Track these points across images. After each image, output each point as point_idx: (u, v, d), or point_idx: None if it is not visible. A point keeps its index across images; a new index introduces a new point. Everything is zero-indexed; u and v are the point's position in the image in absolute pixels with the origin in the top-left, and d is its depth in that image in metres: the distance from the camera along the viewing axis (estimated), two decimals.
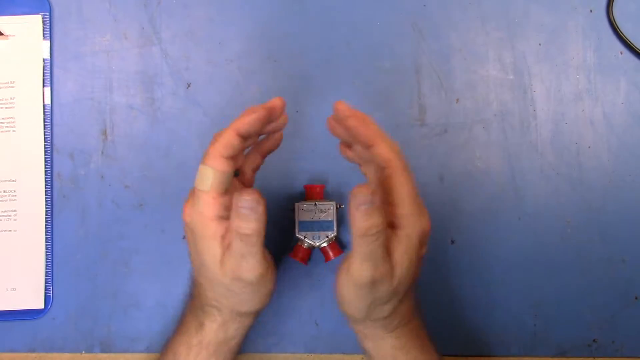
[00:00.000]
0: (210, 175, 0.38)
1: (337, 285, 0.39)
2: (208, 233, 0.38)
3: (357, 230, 0.35)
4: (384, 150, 0.38)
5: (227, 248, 0.38)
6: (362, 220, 0.35)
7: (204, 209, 0.38)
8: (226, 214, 0.38)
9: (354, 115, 0.39)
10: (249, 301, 0.40)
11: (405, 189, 0.37)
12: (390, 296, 0.38)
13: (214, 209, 0.38)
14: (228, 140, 0.38)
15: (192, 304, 0.43)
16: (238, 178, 0.44)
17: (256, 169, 0.45)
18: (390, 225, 0.38)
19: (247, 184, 0.44)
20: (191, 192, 0.40)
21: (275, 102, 0.39)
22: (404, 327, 0.42)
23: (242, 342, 0.44)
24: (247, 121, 0.38)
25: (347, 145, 0.44)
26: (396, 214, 0.38)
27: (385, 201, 0.38)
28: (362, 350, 0.44)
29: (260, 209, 0.36)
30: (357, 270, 0.37)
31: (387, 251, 0.37)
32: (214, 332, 0.42)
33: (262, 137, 0.44)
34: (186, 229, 0.40)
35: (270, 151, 0.44)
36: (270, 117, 0.40)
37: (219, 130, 0.39)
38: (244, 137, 0.39)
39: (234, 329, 0.42)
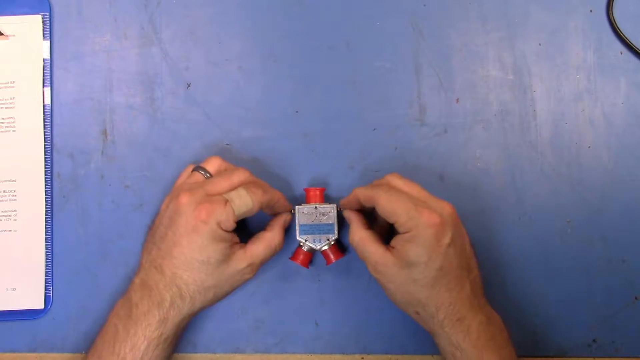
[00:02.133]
0: (248, 207, 0.45)
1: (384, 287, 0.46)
2: (222, 239, 0.44)
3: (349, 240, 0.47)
4: (363, 193, 0.46)
5: (235, 248, 0.46)
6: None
7: (225, 222, 0.44)
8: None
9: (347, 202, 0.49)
10: (218, 298, 0.46)
11: (392, 207, 0.43)
12: (412, 288, 0.44)
13: (231, 226, 0.44)
14: (273, 200, 0.47)
15: (155, 296, 0.44)
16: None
17: None
18: (404, 233, 0.44)
19: None
20: (214, 197, 0.44)
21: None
22: (456, 324, 0.43)
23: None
24: (284, 206, 0.49)
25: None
26: (399, 226, 0.43)
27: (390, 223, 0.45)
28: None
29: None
30: (371, 267, 0.46)
31: (385, 248, 0.45)
32: (175, 325, 0.45)
33: None
34: (191, 224, 0.43)
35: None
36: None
37: (266, 187, 0.48)
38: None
39: (186, 323, 0.47)
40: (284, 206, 0.49)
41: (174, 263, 0.44)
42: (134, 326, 0.43)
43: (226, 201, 0.44)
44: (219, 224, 0.43)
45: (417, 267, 0.43)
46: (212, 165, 0.48)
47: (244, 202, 0.45)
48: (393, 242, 0.44)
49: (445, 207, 0.44)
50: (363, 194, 0.46)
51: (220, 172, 0.48)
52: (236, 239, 0.46)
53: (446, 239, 0.43)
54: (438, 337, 0.45)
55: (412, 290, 0.43)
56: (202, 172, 0.47)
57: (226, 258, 0.45)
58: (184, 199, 0.44)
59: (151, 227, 0.48)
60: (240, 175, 0.46)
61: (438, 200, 0.45)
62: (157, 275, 0.44)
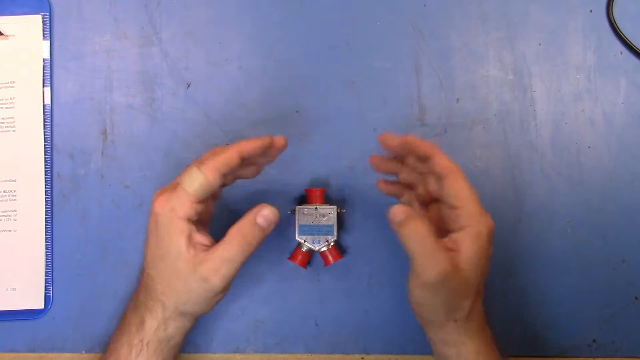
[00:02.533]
0: (200, 181, 0.40)
1: (412, 294, 0.41)
2: (176, 230, 0.40)
3: (404, 237, 0.39)
4: (443, 159, 0.41)
5: (195, 247, 0.41)
6: (405, 225, 0.39)
7: (179, 207, 0.40)
8: (195, 218, 0.41)
9: (408, 136, 0.43)
10: (198, 303, 0.42)
11: (467, 192, 0.41)
12: (463, 291, 0.40)
13: (188, 211, 0.40)
14: (230, 158, 0.40)
15: (135, 301, 0.44)
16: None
17: (224, 186, 0.46)
18: (458, 227, 0.41)
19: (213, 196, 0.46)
20: (170, 186, 0.42)
21: (280, 140, 0.43)
22: (481, 332, 0.43)
23: (182, 343, 0.45)
24: (251, 145, 0.41)
25: (386, 181, 0.48)
26: (462, 215, 0.40)
27: (449, 206, 0.41)
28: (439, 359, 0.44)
29: (271, 227, 0.41)
30: (424, 271, 0.39)
31: (446, 247, 0.40)
32: (154, 329, 0.42)
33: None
34: (152, 219, 0.42)
35: (245, 178, 0.46)
36: (271, 149, 0.43)
37: (220, 145, 0.43)
38: (243, 160, 0.41)
39: (174, 328, 0.43)
40: (262, 152, 0.42)
41: (146, 263, 0.43)
42: (120, 335, 0.43)
43: (176, 185, 0.41)
44: (173, 211, 0.40)
45: (472, 268, 0.40)
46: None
47: (194, 177, 0.40)
48: (448, 240, 0.41)
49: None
50: (425, 148, 0.41)
51: None
52: (205, 240, 0.42)
53: (491, 248, 0.42)
54: (464, 346, 0.42)
55: (462, 291, 0.40)
56: None
57: (184, 255, 0.40)
58: (153, 197, 0.41)
59: None
60: (208, 155, 0.42)
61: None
62: (141, 279, 0.44)
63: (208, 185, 0.40)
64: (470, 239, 0.40)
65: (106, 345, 0.46)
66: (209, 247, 0.41)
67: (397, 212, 0.39)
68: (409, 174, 0.46)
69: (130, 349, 0.42)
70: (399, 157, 0.46)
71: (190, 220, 0.41)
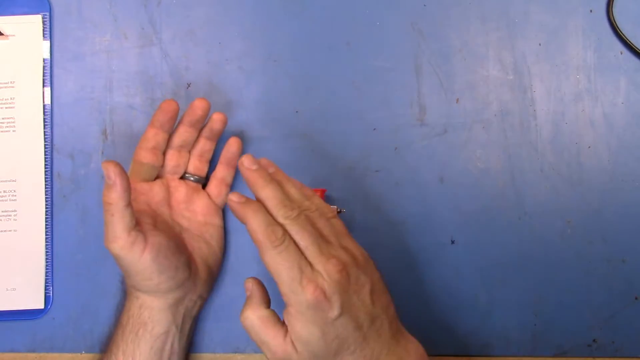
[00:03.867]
0: (132, 168, 0.46)
1: None
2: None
3: (243, 325, 0.41)
4: (254, 227, 0.38)
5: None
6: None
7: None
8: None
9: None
10: (131, 276, 0.43)
11: (274, 270, 0.37)
12: (320, 352, 0.38)
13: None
14: (145, 136, 0.46)
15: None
16: (205, 188, 0.50)
17: (208, 156, 0.50)
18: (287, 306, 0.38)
19: (199, 171, 0.50)
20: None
21: (196, 103, 0.47)
22: None
23: (172, 340, 0.45)
24: (156, 115, 0.46)
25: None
26: (281, 293, 0.38)
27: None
28: None
29: (119, 180, 0.40)
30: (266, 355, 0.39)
31: (280, 333, 0.38)
32: (132, 314, 0.44)
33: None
34: None
35: (217, 132, 0.49)
36: (195, 113, 0.47)
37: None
38: (160, 129, 0.46)
39: (148, 315, 0.44)
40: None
41: None
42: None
43: None
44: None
45: (305, 346, 0.37)
46: None
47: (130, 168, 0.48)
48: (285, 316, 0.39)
49: (339, 259, 0.38)
50: (239, 211, 0.39)
51: None
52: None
53: (334, 311, 0.37)
54: None
55: None
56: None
57: None
58: None
59: None
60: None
61: (335, 248, 0.39)
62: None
63: (139, 166, 0.46)
64: (292, 317, 0.37)
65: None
66: None
67: (247, 286, 0.42)
68: None
69: (122, 336, 0.45)
70: None
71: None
